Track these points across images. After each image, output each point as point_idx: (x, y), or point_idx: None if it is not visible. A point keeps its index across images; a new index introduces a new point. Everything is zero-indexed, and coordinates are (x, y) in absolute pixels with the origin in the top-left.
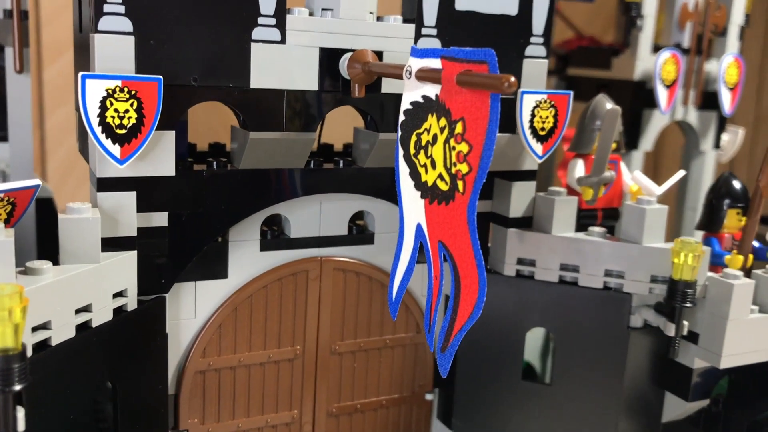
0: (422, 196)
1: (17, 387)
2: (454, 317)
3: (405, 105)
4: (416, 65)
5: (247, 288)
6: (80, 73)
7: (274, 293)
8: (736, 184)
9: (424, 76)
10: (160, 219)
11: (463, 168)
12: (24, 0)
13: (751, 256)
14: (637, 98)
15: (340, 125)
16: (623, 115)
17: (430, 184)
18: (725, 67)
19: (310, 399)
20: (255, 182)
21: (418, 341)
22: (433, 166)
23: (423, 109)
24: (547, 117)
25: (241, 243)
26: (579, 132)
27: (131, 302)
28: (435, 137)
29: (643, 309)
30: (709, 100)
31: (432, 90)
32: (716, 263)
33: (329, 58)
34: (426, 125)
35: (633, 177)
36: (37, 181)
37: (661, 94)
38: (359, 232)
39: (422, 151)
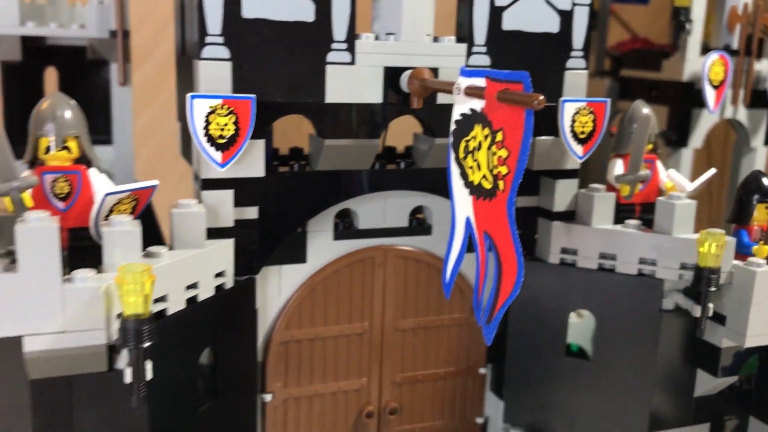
0: (470, 194)
1: (146, 344)
2: (496, 296)
3: (455, 116)
4: (464, 83)
5: (322, 271)
6: (188, 94)
7: (345, 276)
8: (765, 181)
9: (471, 92)
10: (251, 212)
11: (503, 170)
12: (126, 21)
13: None
14: (686, 98)
15: (403, 129)
16: (673, 114)
17: (476, 183)
18: None
19: (377, 369)
20: (329, 181)
21: (473, 321)
22: (479, 168)
23: (470, 119)
24: (586, 122)
25: (318, 233)
26: (618, 134)
27: (229, 281)
28: (480, 144)
29: (674, 293)
30: (759, 99)
31: (478, 104)
32: (744, 253)
33: (392, 75)
34: (473, 134)
35: (668, 175)
36: (155, 182)
37: (709, 95)
38: (418, 224)
39: (469, 156)
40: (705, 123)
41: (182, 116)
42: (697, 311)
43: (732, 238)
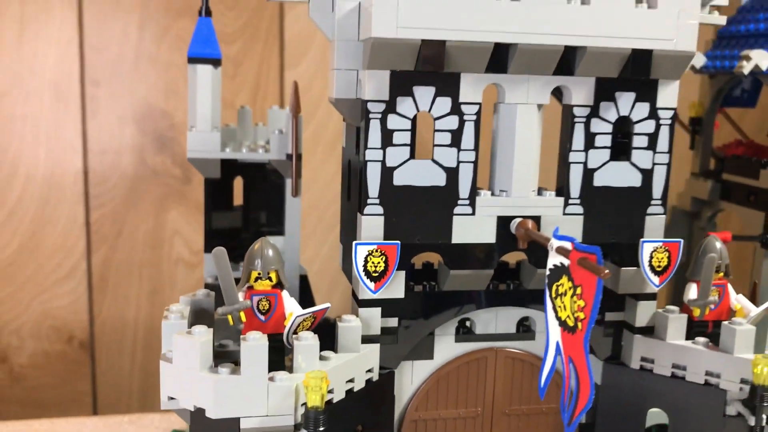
0: (559, 325)
1: (321, 429)
2: (575, 405)
3: (549, 264)
4: (556, 244)
5: (446, 367)
6: (354, 242)
7: (464, 371)
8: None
9: (560, 252)
10: (393, 322)
11: (581, 315)
12: (300, 146)
13: None
14: None
15: None
16: None
17: (563, 319)
18: None
19: None
20: (453, 299)
21: None
22: (564, 308)
23: (559, 271)
24: (662, 258)
25: (443, 336)
26: (694, 262)
27: (375, 375)
28: (566, 291)
29: (735, 402)
30: None
31: (565, 261)
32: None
33: (503, 222)
34: (560, 282)
35: (737, 298)
36: (328, 305)
37: None
38: (524, 331)
39: (559, 297)
40: None
41: (343, 238)
42: (752, 421)
43: None
